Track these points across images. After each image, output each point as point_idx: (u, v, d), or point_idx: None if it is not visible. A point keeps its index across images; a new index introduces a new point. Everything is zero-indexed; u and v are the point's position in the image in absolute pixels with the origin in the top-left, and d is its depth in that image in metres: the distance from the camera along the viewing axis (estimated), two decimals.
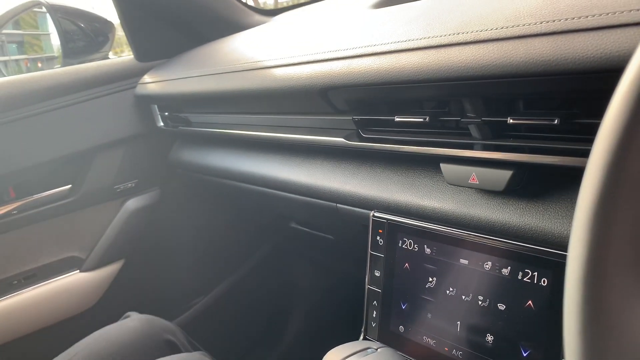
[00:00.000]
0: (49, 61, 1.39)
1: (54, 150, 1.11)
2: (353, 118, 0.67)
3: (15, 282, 1.10)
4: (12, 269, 1.10)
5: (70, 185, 1.15)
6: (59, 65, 1.29)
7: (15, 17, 1.26)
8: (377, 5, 0.77)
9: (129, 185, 1.20)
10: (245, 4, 1.28)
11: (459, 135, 0.56)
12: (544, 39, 0.42)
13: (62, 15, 1.24)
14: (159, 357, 0.76)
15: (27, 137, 1.07)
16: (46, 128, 1.09)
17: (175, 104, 1.10)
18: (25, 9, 1.25)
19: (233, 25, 1.21)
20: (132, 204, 1.21)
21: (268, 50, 0.80)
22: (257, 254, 1.39)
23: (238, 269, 1.37)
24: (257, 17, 1.26)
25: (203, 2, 1.19)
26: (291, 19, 1.18)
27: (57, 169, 1.13)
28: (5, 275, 1.09)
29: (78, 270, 1.16)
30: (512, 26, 0.44)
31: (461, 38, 0.48)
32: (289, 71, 0.71)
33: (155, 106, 1.16)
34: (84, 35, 1.28)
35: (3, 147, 1.05)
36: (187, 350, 0.87)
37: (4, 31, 1.30)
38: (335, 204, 0.76)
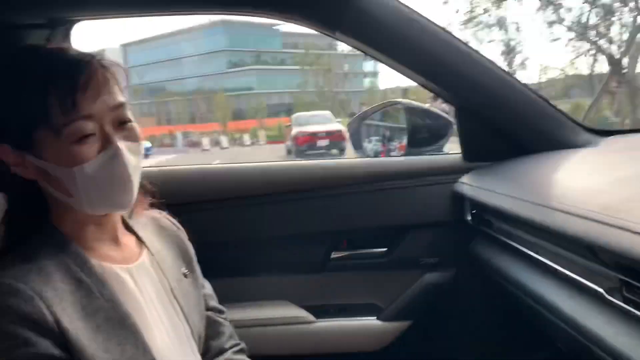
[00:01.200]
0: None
1: (381, 219, 1.41)
2: (617, 276, 0.72)
3: (332, 310, 1.44)
4: (331, 299, 1.44)
5: (386, 249, 1.43)
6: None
7: (378, 111, 1.64)
8: None
9: (431, 261, 1.42)
10: (574, 120, 1.34)
11: None
12: None
13: (413, 113, 1.55)
14: None
15: (365, 206, 1.40)
16: (379, 201, 1.40)
17: (482, 208, 1.26)
18: (387, 105, 1.61)
19: (557, 141, 1.29)
20: (429, 277, 1.42)
21: (569, 191, 0.90)
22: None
23: None
24: (586, 135, 1.30)
25: (532, 117, 1.31)
26: (619, 149, 1.19)
27: (379, 234, 1.43)
28: (322, 303, 1.43)
29: (375, 318, 1.43)
30: None
31: None
32: (570, 221, 0.79)
33: (468, 202, 1.35)
34: (428, 130, 1.57)
35: (350, 210, 1.41)
36: None
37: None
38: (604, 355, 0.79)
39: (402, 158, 1.47)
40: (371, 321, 1.42)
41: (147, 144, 16.92)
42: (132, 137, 0.82)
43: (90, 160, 0.78)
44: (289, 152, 16.52)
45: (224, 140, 23.98)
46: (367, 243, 1.45)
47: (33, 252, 0.79)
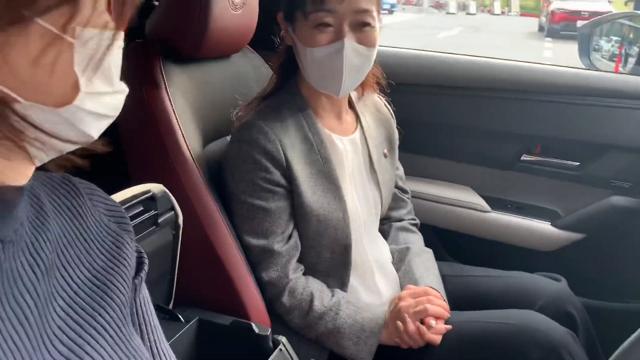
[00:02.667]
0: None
1: (581, 133, 1.44)
2: None
3: (510, 206, 1.56)
4: (511, 196, 1.55)
5: (579, 163, 1.47)
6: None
7: (613, 20, 1.54)
8: None
9: (624, 185, 1.42)
10: None
11: None
12: None
13: None
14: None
15: (568, 116, 1.43)
16: (584, 115, 1.42)
17: None
18: (622, 16, 1.50)
19: None
20: (616, 199, 1.43)
21: None
22: None
23: None
24: None
25: None
26: None
27: (576, 147, 1.46)
28: (502, 197, 1.56)
29: (550, 223, 1.51)
30: None
31: None
32: None
33: None
34: None
35: (551, 118, 1.45)
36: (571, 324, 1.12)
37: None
38: None
39: (620, 75, 1.41)
40: (545, 225, 1.51)
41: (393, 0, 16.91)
42: (365, 41, 1.01)
43: (320, 46, 1.00)
44: (541, 28, 15.00)
45: (472, 6, 22.58)
46: (561, 153, 1.49)
47: (280, 106, 1.08)
